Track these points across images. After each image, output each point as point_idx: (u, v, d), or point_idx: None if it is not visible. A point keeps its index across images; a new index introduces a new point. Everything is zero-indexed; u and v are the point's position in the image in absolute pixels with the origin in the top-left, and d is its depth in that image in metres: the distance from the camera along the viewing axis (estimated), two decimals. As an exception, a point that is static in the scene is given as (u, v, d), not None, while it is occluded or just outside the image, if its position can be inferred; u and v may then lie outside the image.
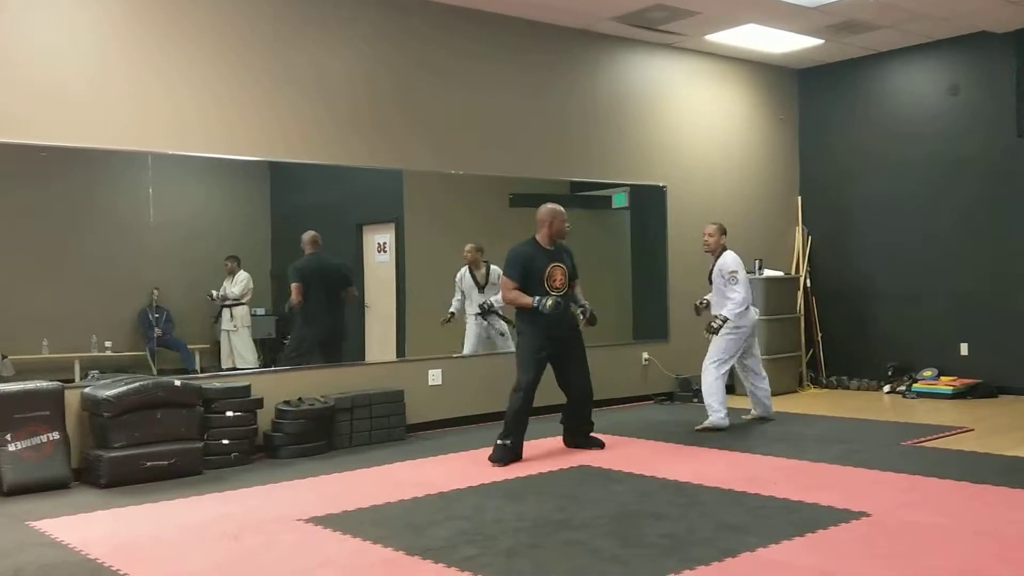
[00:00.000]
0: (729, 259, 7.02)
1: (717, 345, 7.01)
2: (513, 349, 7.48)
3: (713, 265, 7.14)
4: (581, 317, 6.26)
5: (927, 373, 8.84)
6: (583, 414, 6.38)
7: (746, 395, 7.53)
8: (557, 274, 6.11)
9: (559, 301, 5.96)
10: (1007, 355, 8.45)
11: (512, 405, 6.00)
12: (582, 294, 6.41)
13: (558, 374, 6.28)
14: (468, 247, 7.73)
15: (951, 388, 8.45)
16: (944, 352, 8.92)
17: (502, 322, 7.76)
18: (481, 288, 7.73)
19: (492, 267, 7.70)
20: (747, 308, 6.97)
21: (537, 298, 5.96)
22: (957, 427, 6.87)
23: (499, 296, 7.10)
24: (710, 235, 7.12)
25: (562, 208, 6.22)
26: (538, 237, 6.19)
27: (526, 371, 6.05)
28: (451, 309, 7.70)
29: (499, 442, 5.95)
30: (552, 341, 6.11)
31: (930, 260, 9.08)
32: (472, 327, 7.79)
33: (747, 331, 7.03)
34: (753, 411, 7.43)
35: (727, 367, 7.02)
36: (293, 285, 6.93)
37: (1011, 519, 4.35)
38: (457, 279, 7.74)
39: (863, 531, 4.17)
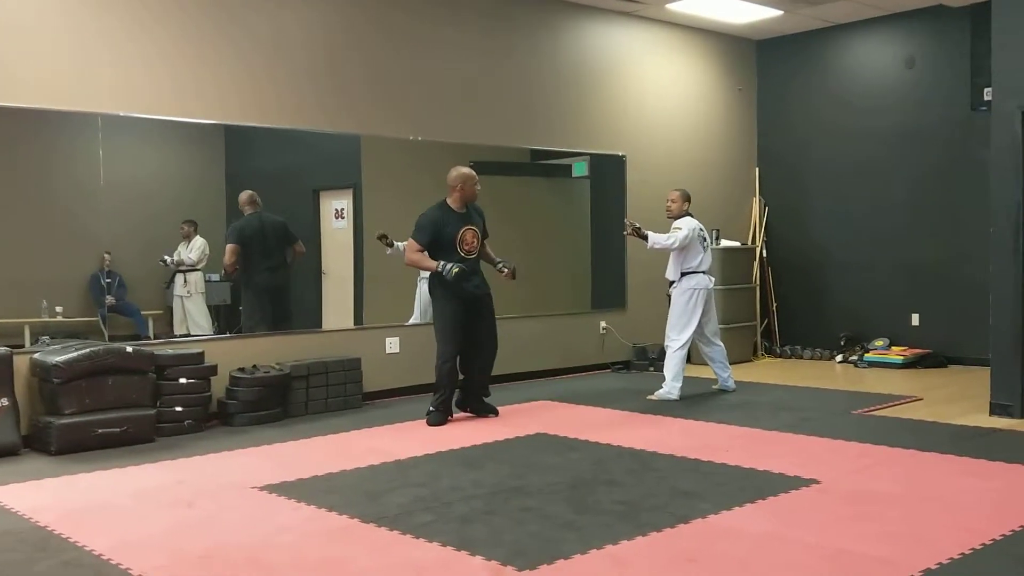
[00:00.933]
0: (681, 220, 7.04)
1: (670, 311, 7.09)
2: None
3: None
4: (504, 271, 6.33)
5: (878, 343, 8.99)
6: (483, 379, 6.37)
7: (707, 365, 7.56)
8: (468, 236, 6.19)
9: (463, 268, 6.03)
10: (957, 326, 8.61)
11: (441, 376, 6.12)
12: (492, 253, 6.44)
13: (465, 335, 6.22)
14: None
15: (902, 358, 8.60)
16: (895, 322, 9.07)
17: None
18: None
19: None
20: (698, 273, 7.00)
21: (441, 263, 6.01)
22: (907, 396, 7.00)
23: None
24: (672, 200, 7.14)
25: (473, 172, 6.27)
26: (449, 201, 6.21)
27: (447, 342, 6.12)
28: (400, 245, 7.07)
29: (432, 408, 6.14)
30: (463, 303, 6.16)
31: (884, 231, 9.20)
32: (422, 291, 7.57)
33: (699, 295, 6.99)
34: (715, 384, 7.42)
35: (686, 335, 7.01)
36: (228, 247, 6.78)
37: (958, 485, 4.45)
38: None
39: (814, 497, 4.24)
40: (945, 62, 8.70)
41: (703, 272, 7.05)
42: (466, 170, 6.24)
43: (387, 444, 5.53)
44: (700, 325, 7.09)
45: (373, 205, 7.39)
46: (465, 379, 6.32)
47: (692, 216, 7.11)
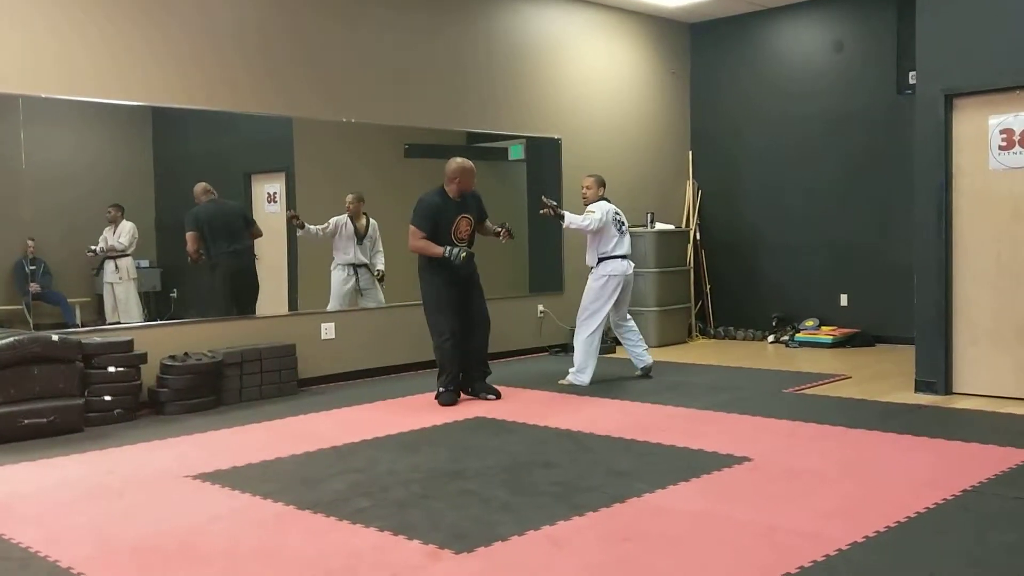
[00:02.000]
0: (595, 204, 6.96)
1: (584, 296, 7.01)
2: (374, 304, 7.60)
3: None
4: (500, 230, 6.51)
5: (809, 323, 9.18)
6: (481, 358, 6.43)
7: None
8: (463, 225, 6.30)
9: (471, 253, 6.21)
10: (884, 306, 8.83)
11: (444, 355, 6.19)
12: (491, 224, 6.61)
13: (458, 315, 6.28)
14: (350, 197, 7.49)
15: (831, 338, 8.79)
16: (825, 303, 9.26)
17: (369, 277, 7.63)
18: (360, 239, 7.56)
19: (372, 221, 7.59)
20: (615, 259, 6.89)
21: (448, 249, 6.09)
22: (836, 375, 7.15)
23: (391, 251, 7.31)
24: (587, 187, 7.09)
25: (472, 166, 6.34)
26: (447, 189, 6.27)
27: (442, 319, 6.19)
28: (312, 228, 7.27)
29: (442, 389, 6.20)
30: (452, 286, 6.22)
31: (813, 214, 9.38)
32: (338, 278, 7.53)
33: (615, 281, 6.89)
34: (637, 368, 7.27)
35: (597, 321, 6.90)
36: (188, 234, 6.70)
37: (885, 461, 4.57)
38: (333, 222, 7.43)
39: (746, 475, 4.32)
40: (872, 46, 8.88)
41: (619, 256, 6.92)
42: (466, 163, 6.32)
43: (323, 430, 5.49)
44: (613, 309, 7.00)
45: (306, 189, 7.30)
46: (463, 361, 6.31)
47: (608, 201, 7.03)
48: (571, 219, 6.89)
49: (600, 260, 6.93)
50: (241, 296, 7.03)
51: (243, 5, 6.80)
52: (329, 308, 7.43)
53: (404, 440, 5.19)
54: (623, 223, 7.04)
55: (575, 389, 6.74)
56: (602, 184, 7.13)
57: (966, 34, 6.12)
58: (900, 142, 8.38)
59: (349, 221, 7.52)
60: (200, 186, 6.76)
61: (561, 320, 8.85)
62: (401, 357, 7.67)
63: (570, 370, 6.99)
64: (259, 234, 7.10)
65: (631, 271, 7.04)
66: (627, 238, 7.04)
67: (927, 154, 6.30)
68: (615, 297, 6.93)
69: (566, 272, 8.99)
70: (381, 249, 7.67)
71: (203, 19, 6.58)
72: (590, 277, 7.01)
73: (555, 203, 7.01)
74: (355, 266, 7.55)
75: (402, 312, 7.66)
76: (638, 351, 7.21)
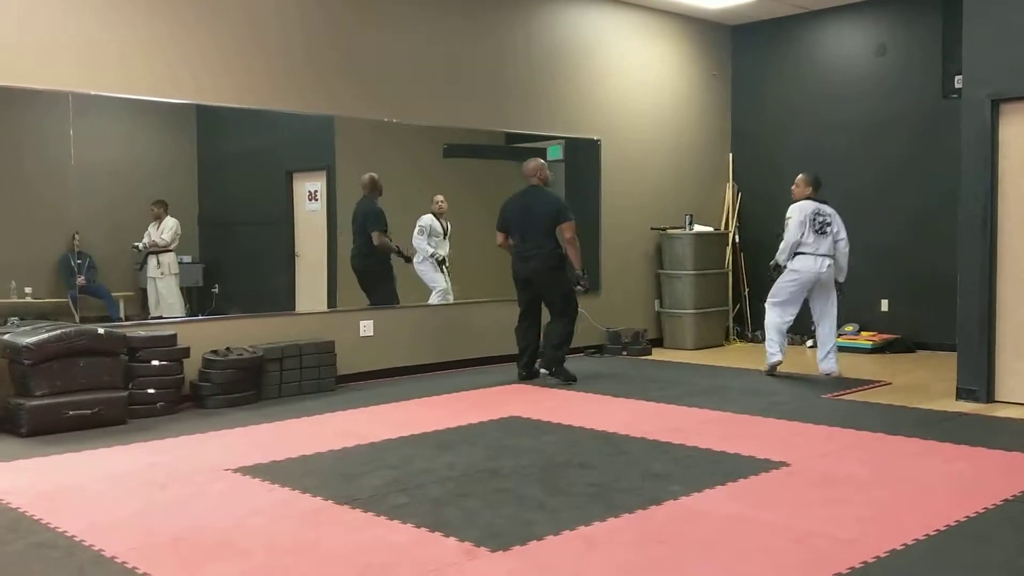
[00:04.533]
0: (793, 207, 7.21)
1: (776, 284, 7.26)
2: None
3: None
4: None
5: (848, 328, 9.08)
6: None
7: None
8: None
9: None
10: (925, 311, 8.72)
11: (572, 332, 7.11)
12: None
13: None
14: (439, 198, 7.87)
15: (871, 343, 8.70)
16: (865, 308, 9.16)
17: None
18: (445, 235, 7.93)
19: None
20: (797, 255, 7.09)
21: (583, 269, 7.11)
22: (876, 381, 7.09)
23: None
24: (796, 185, 7.29)
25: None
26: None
27: (575, 303, 7.12)
28: (428, 250, 7.80)
29: (564, 365, 7.01)
30: None
31: (854, 217, 9.21)
32: (438, 273, 7.90)
33: (801, 278, 7.08)
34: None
35: (778, 311, 7.17)
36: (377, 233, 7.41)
37: (924, 468, 4.53)
38: (425, 224, 7.82)
39: (783, 480, 4.30)
40: (917, 49, 8.77)
41: (810, 254, 7.07)
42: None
43: (361, 427, 5.54)
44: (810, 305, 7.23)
45: (347, 187, 7.37)
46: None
47: (815, 200, 7.19)
48: (778, 256, 7.22)
49: (794, 255, 7.11)
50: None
51: (288, 7, 6.88)
52: (433, 298, 7.81)
53: (440, 438, 5.23)
54: (827, 223, 7.11)
55: (610, 390, 6.72)
56: (812, 184, 7.23)
57: (1014, 39, 6.03)
58: (944, 147, 8.26)
59: (433, 218, 7.86)
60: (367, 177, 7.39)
61: (598, 321, 8.84)
62: (438, 355, 7.71)
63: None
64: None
65: (825, 269, 7.07)
66: (829, 239, 7.10)
67: (972, 159, 6.22)
68: (802, 296, 7.16)
69: (604, 273, 8.97)
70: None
71: (249, 19, 6.67)
72: (785, 275, 7.21)
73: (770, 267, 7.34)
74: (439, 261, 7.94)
75: (441, 311, 7.71)
76: (819, 355, 7.27)
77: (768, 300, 7.30)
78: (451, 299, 7.91)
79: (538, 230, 6.89)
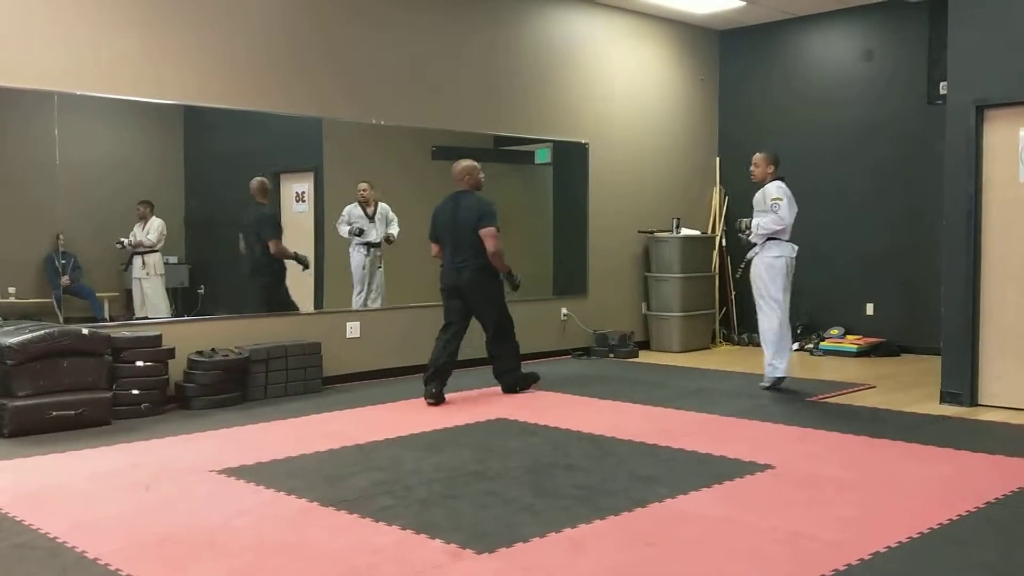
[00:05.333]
0: (773, 187, 6.66)
1: (761, 281, 6.67)
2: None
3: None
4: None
5: (834, 331, 9.13)
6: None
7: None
8: None
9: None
10: (910, 315, 8.77)
11: (517, 348, 6.76)
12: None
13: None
14: (363, 185, 7.53)
15: (856, 346, 8.74)
16: (850, 311, 9.21)
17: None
18: (371, 219, 7.60)
19: (380, 204, 7.66)
20: (775, 240, 6.62)
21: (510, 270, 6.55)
22: (860, 384, 7.12)
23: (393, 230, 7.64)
24: (756, 164, 6.82)
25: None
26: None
27: (510, 315, 6.67)
28: (344, 230, 7.49)
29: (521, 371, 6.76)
30: None
31: (840, 222, 9.33)
32: (358, 257, 7.60)
33: (786, 263, 6.62)
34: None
35: (781, 308, 6.60)
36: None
37: (908, 471, 4.55)
38: (344, 213, 7.50)
39: (768, 482, 4.31)
40: (903, 56, 8.83)
41: (788, 241, 6.68)
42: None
43: (348, 428, 5.53)
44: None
45: (335, 189, 7.36)
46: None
47: (783, 180, 6.73)
48: (763, 227, 6.59)
49: (770, 239, 6.61)
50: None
51: (274, 7, 6.87)
52: (355, 285, 7.61)
53: (427, 439, 5.22)
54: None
55: (597, 392, 6.73)
56: (775, 162, 6.78)
57: (998, 45, 6.08)
58: (929, 152, 8.32)
59: (356, 205, 7.56)
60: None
61: (585, 323, 8.85)
62: (425, 357, 7.67)
63: (767, 368, 6.75)
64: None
65: (794, 254, 6.70)
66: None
67: (957, 165, 6.26)
68: (790, 280, 6.65)
69: (590, 275, 8.99)
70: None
71: (236, 20, 6.66)
72: (757, 259, 6.68)
73: (745, 228, 6.80)
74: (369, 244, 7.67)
75: (427, 312, 7.70)
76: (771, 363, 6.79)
77: (762, 298, 6.66)
78: (378, 302, 7.61)
79: (467, 240, 6.31)
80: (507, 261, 6.48)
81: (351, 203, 7.54)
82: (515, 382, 6.72)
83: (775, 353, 6.72)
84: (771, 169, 6.80)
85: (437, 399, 6.24)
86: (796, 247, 6.75)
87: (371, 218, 7.63)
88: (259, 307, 7.02)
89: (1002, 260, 6.13)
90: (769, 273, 6.64)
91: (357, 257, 7.61)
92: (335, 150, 7.32)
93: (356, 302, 7.53)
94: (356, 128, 7.33)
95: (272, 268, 7.15)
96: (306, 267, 7.26)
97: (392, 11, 7.50)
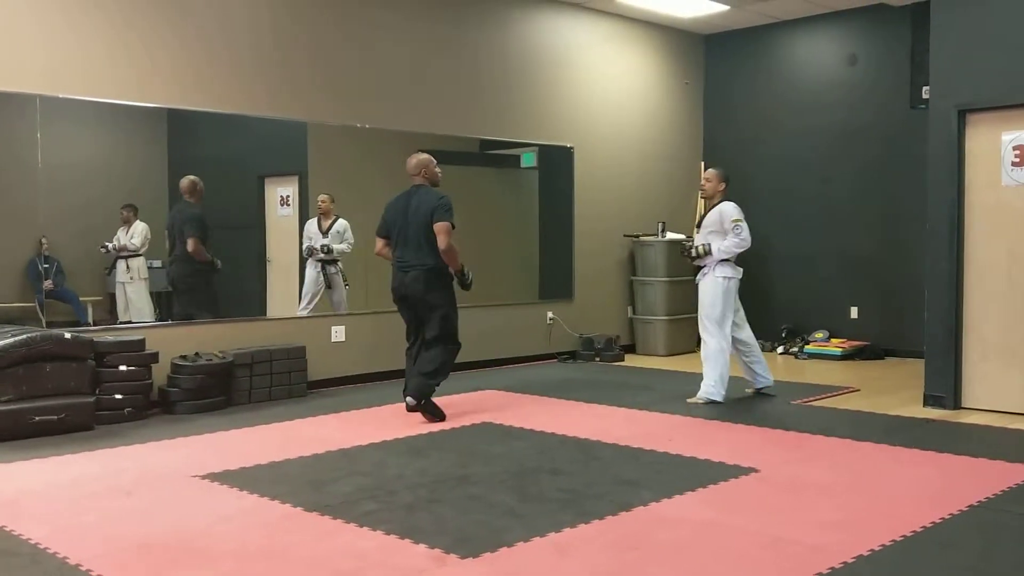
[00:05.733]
0: (731, 208, 6.51)
1: (707, 300, 6.51)
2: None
3: (706, 212, 6.70)
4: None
5: (818, 335, 9.17)
6: None
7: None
8: None
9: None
10: (894, 319, 8.82)
11: (449, 363, 5.97)
12: None
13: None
14: (323, 197, 7.33)
15: (840, 350, 8.78)
16: (835, 315, 9.25)
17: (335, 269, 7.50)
18: (324, 234, 7.36)
19: (340, 220, 7.44)
20: (727, 261, 6.50)
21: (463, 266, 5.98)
22: (844, 387, 7.15)
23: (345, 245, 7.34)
24: (707, 180, 6.66)
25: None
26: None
27: (456, 330, 5.99)
28: (306, 246, 7.31)
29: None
30: None
31: (824, 226, 9.37)
32: (311, 272, 7.38)
33: (735, 284, 6.53)
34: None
35: (727, 328, 6.48)
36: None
37: (892, 474, 4.57)
38: (305, 229, 7.35)
39: (752, 486, 4.32)
40: (886, 60, 8.88)
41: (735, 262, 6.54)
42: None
43: (332, 433, 5.51)
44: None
45: (319, 193, 7.34)
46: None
47: (728, 199, 6.61)
48: (725, 251, 6.41)
49: (722, 261, 6.44)
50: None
51: (260, 10, 6.85)
52: (302, 300, 7.33)
53: (412, 444, 5.21)
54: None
55: (583, 396, 6.73)
56: (725, 180, 6.62)
57: (980, 50, 6.12)
58: (912, 156, 8.36)
59: (315, 221, 7.38)
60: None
61: (571, 327, 8.86)
62: (410, 362, 7.69)
63: (706, 386, 6.45)
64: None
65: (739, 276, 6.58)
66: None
67: (940, 169, 6.30)
68: (732, 307, 6.52)
69: (576, 279, 9.00)
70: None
71: (220, 23, 6.64)
72: (709, 279, 6.50)
73: (690, 250, 6.62)
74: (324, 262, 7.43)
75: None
76: (760, 368, 6.71)
77: (711, 320, 6.47)
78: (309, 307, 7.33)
79: (419, 237, 5.80)
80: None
81: (347, 218, 7.45)
82: (420, 390, 5.80)
83: (717, 378, 6.42)
84: (722, 187, 6.61)
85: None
86: (741, 269, 6.62)
87: (324, 233, 7.36)
88: (181, 309, 6.67)
89: (985, 264, 6.17)
90: (714, 293, 6.45)
91: (311, 272, 7.38)
92: (320, 154, 7.30)
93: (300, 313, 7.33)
94: (341, 132, 7.32)
95: (196, 268, 6.75)
96: (216, 270, 6.81)
97: (377, 15, 7.49)
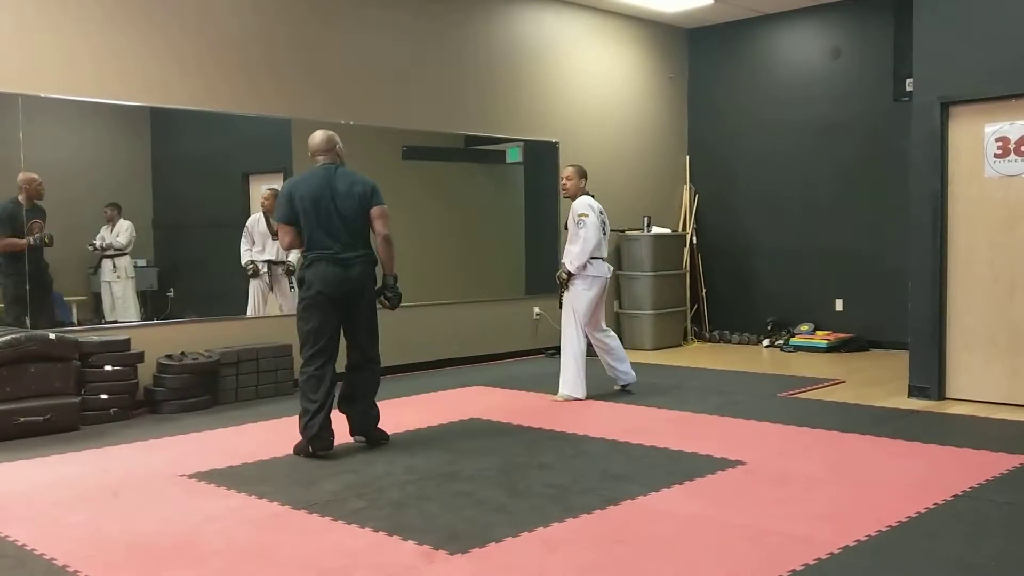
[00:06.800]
0: (579, 202, 6.27)
1: (574, 303, 6.33)
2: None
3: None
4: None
5: (804, 327, 9.21)
6: None
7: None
8: None
9: None
10: (878, 311, 8.86)
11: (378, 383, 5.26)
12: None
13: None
14: (266, 191, 7.04)
15: (826, 342, 8.82)
16: (820, 307, 9.29)
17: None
18: (275, 235, 6.67)
19: None
20: (600, 260, 6.30)
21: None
22: (830, 379, 7.18)
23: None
24: (568, 178, 6.38)
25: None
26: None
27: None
28: (249, 259, 6.98)
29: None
30: None
31: (809, 219, 9.41)
32: (253, 282, 7.11)
33: (601, 284, 6.33)
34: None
35: (581, 329, 6.37)
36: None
37: (877, 465, 4.59)
38: (248, 225, 7.06)
39: (739, 479, 4.34)
40: (870, 53, 8.91)
41: (602, 258, 6.34)
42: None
43: (319, 430, 5.48)
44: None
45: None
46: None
47: (592, 196, 6.36)
48: (574, 262, 6.22)
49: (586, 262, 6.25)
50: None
51: (243, 7, 6.82)
52: (248, 309, 7.04)
53: (399, 441, 5.21)
54: (606, 222, 6.43)
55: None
56: (584, 175, 6.39)
57: (963, 43, 6.15)
58: (896, 149, 8.41)
59: (262, 217, 7.08)
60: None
61: (557, 323, 8.84)
62: (397, 359, 7.68)
63: (564, 383, 6.42)
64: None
65: (610, 274, 6.48)
66: (606, 238, 6.44)
67: (923, 161, 6.33)
68: (601, 303, 6.44)
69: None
70: None
71: (203, 20, 6.60)
72: (578, 283, 6.30)
73: (560, 277, 6.37)
74: (270, 263, 7.16)
75: (398, 313, 7.66)
76: (625, 367, 6.63)
77: (571, 324, 6.32)
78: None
79: (355, 225, 4.94)
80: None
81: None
82: (371, 424, 5.12)
83: (573, 377, 6.35)
84: (582, 183, 6.35)
85: (328, 446, 4.89)
86: (611, 267, 6.46)
87: (275, 234, 6.62)
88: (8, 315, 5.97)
89: (968, 255, 6.21)
90: (578, 304, 6.31)
91: (252, 282, 7.07)
92: (305, 151, 7.22)
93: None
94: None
95: (15, 268, 5.99)
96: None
97: (362, 11, 7.47)
